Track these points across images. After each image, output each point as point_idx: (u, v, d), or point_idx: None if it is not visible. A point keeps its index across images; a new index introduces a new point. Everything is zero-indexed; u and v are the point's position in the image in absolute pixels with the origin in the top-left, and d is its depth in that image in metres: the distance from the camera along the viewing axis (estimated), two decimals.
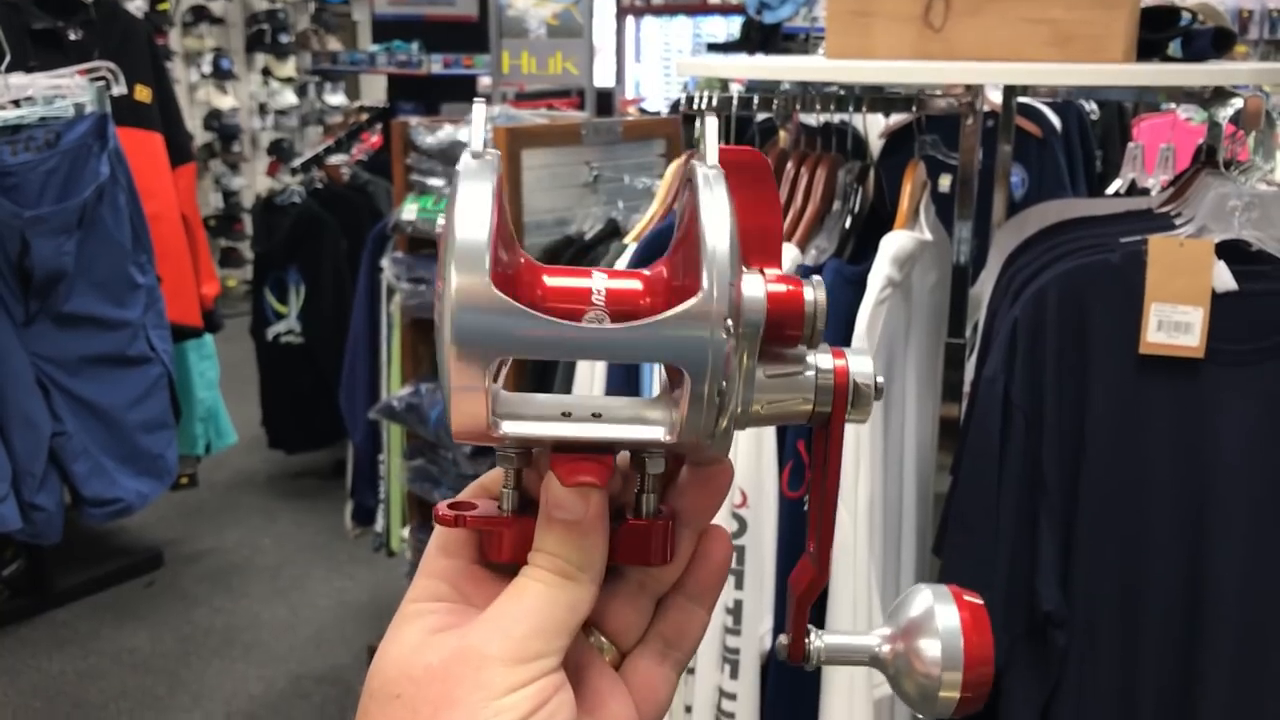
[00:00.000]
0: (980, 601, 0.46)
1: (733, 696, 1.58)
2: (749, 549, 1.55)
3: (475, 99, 0.42)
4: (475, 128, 0.41)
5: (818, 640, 0.47)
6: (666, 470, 0.43)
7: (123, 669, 3.11)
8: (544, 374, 2.20)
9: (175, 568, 3.70)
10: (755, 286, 0.40)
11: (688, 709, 1.62)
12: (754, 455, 1.54)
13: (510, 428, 0.39)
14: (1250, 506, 1.36)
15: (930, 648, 0.45)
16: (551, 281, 0.40)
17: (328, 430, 3.98)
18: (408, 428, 2.78)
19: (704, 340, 0.37)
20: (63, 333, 2.76)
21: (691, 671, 1.60)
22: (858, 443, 1.50)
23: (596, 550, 0.41)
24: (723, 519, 1.63)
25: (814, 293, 0.41)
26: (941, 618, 0.45)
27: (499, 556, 0.42)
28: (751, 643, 1.57)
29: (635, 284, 0.41)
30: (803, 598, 0.47)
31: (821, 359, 0.43)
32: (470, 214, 0.37)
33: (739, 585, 1.56)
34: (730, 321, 0.37)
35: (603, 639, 0.44)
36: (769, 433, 1.55)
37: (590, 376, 1.83)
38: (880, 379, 0.43)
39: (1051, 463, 1.39)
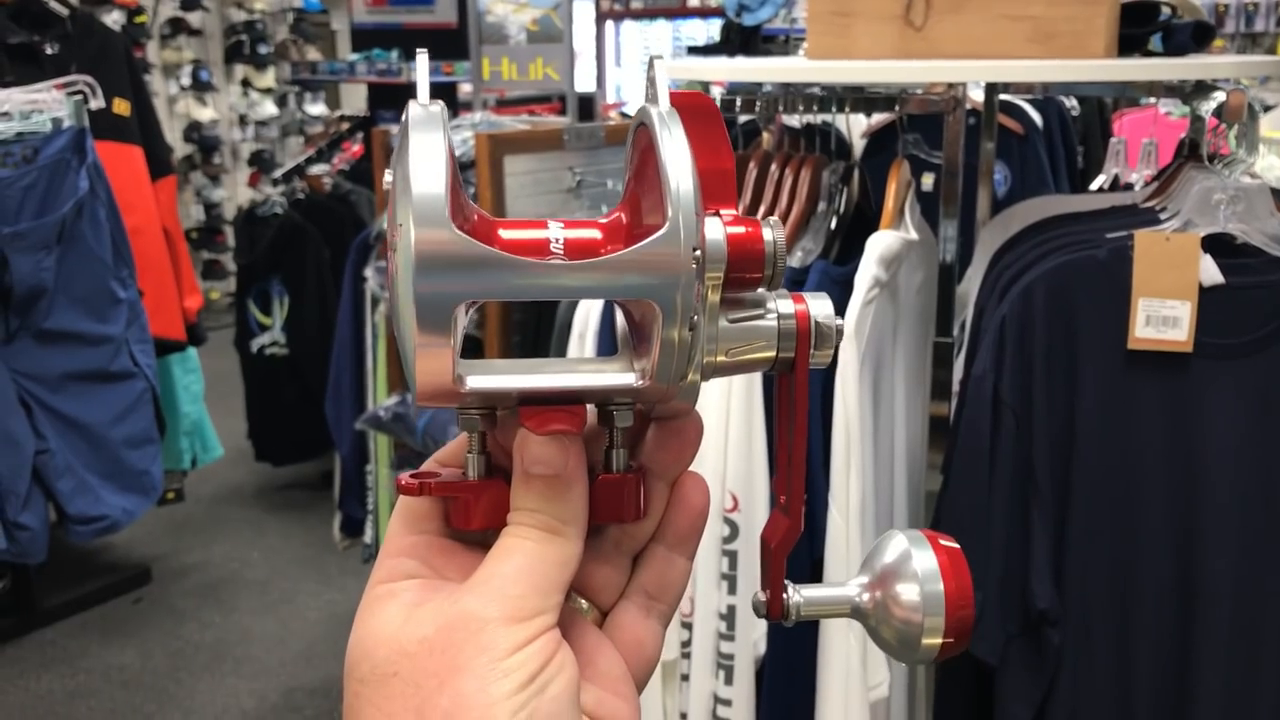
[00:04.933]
0: (956, 545, 0.45)
1: (728, 702, 1.57)
2: (741, 553, 1.54)
3: (418, 50, 0.42)
4: (420, 79, 0.40)
5: (796, 595, 0.46)
6: (634, 428, 0.42)
7: (112, 687, 3.08)
8: (533, 349, 2.19)
9: (163, 583, 3.67)
10: (715, 228, 0.40)
11: (683, 716, 1.61)
12: (744, 458, 1.53)
13: (476, 382, 0.38)
14: (1241, 499, 1.36)
15: (909, 593, 0.44)
16: (507, 234, 0.39)
17: (314, 442, 3.96)
18: (395, 438, 2.76)
19: (674, 270, 0.37)
20: (44, 349, 2.73)
21: (686, 678, 1.60)
22: (848, 442, 1.49)
23: (579, 503, 0.40)
24: (714, 523, 1.62)
25: (772, 233, 0.41)
26: (919, 562, 0.44)
27: (468, 524, 0.42)
28: (746, 648, 1.57)
29: (593, 232, 0.40)
30: (778, 549, 0.46)
31: (782, 304, 0.43)
32: (425, 163, 0.36)
33: (732, 590, 1.55)
34: (698, 252, 0.37)
35: (581, 600, 0.44)
36: (759, 435, 1.54)
37: (580, 350, 1.82)
38: (840, 321, 0.43)
39: (1042, 460, 1.39)
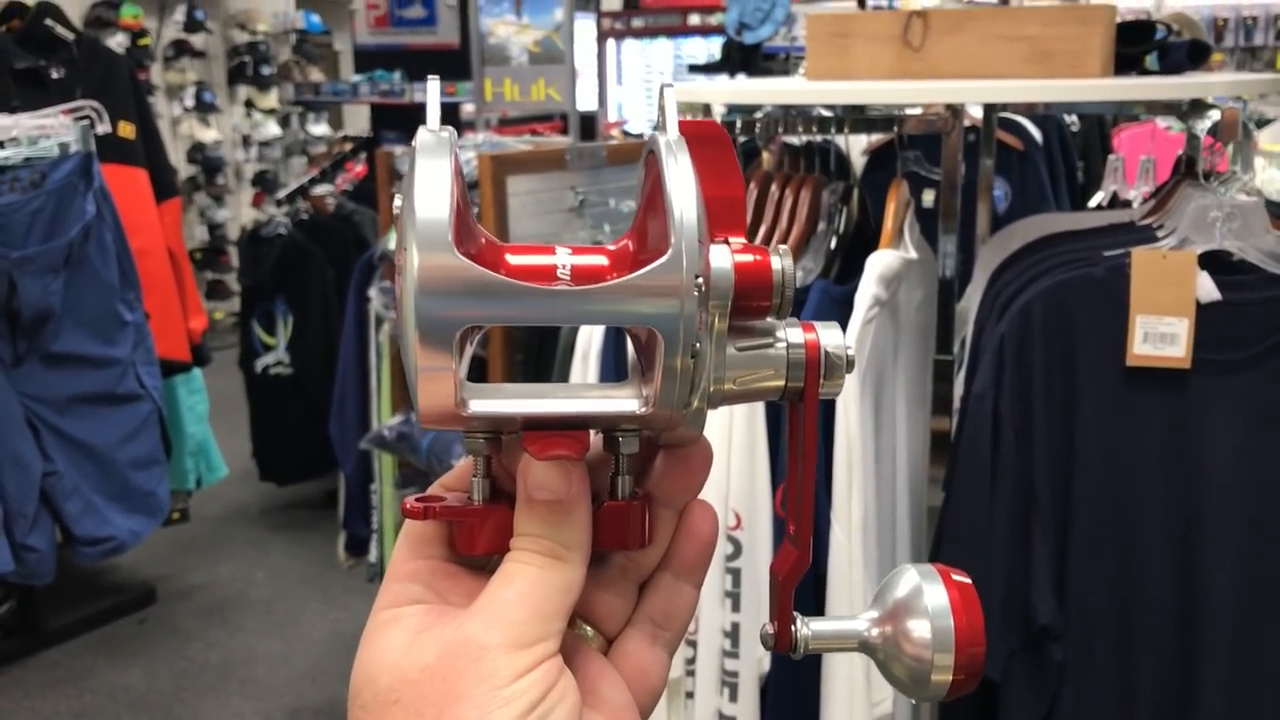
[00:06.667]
0: (969, 580, 0.44)
1: None
2: (744, 571, 1.55)
3: (430, 76, 0.42)
4: (430, 104, 0.40)
5: (804, 628, 0.45)
6: (641, 455, 0.42)
7: (118, 707, 3.08)
8: (537, 374, 2.20)
9: (168, 604, 3.67)
10: (722, 256, 0.39)
11: None
12: (747, 477, 1.54)
13: (479, 406, 0.39)
14: (1240, 514, 1.37)
15: (920, 629, 0.43)
16: (515, 259, 0.40)
17: (319, 461, 3.97)
18: (399, 457, 2.77)
19: (675, 297, 0.37)
20: (51, 372, 2.75)
21: (691, 695, 1.60)
22: (850, 460, 1.50)
23: (582, 528, 0.40)
24: (718, 541, 1.62)
25: (781, 261, 0.41)
26: (930, 598, 0.43)
27: (473, 549, 0.41)
28: (750, 665, 1.57)
29: (600, 259, 0.41)
30: (786, 581, 0.45)
31: (792, 333, 0.42)
32: (430, 188, 0.37)
33: (736, 608, 1.56)
34: (700, 280, 0.37)
35: (586, 627, 0.43)
36: (762, 453, 1.55)
37: (583, 374, 1.83)
38: (851, 350, 0.43)
39: (1043, 476, 1.39)
